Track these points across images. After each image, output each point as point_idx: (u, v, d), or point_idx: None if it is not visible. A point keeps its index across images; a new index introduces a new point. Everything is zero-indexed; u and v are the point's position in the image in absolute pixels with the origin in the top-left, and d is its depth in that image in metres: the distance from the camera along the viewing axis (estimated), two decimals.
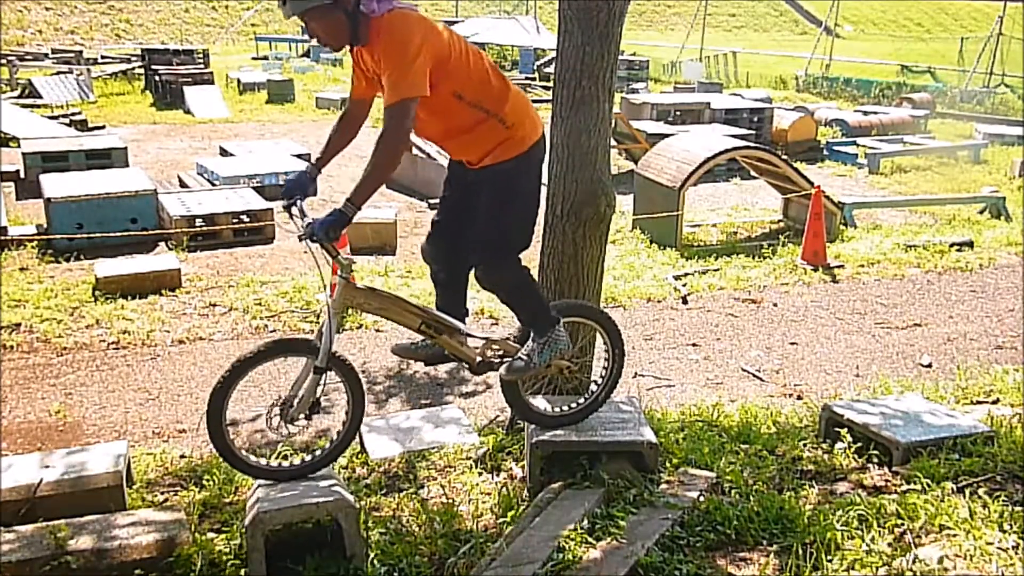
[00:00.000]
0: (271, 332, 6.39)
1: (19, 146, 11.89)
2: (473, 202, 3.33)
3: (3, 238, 8.23)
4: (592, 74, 3.80)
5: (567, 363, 3.65)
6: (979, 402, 4.85)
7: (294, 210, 3.16)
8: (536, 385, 3.87)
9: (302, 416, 3.25)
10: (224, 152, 13.02)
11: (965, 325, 6.73)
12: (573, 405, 3.71)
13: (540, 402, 3.74)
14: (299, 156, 12.33)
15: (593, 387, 3.77)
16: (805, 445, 4.07)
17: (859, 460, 3.83)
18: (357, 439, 4.55)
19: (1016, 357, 6.01)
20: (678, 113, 14.73)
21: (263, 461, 3.32)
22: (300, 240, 3.01)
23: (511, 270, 3.32)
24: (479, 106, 3.13)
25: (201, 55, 22.23)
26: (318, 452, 3.34)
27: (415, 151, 11.41)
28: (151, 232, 8.60)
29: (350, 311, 6.70)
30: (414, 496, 3.64)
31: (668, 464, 3.73)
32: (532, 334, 3.46)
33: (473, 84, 3.10)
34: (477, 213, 3.30)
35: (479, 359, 3.49)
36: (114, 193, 8.67)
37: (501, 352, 3.53)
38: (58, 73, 19.89)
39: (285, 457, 3.86)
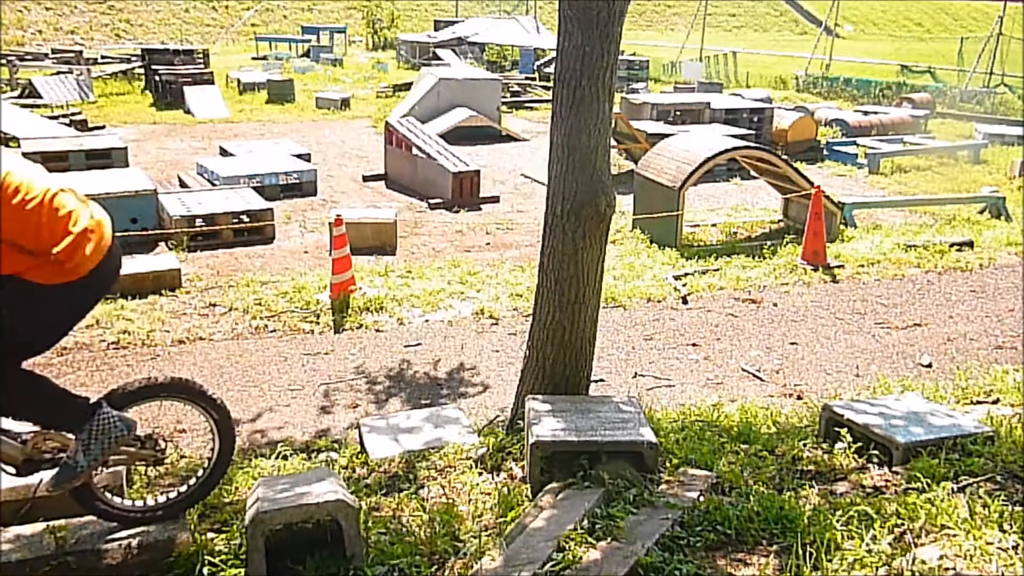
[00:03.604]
0: (271, 332, 6.40)
1: (19, 146, 11.89)
2: None
3: None
4: (592, 74, 3.80)
5: (141, 448, 3.16)
6: (979, 402, 4.85)
7: None
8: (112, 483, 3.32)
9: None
10: (224, 152, 13.02)
11: (965, 325, 6.73)
12: (172, 495, 3.26)
13: (119, 499, 3.21)
14: (299, 156, 12.34)
15: (200, 472, 3.31)
16: (805, 445, 4.06)
17: (859, 460, 3.83)
18: (357, 439, 4.56)
19: (1016, 357, 6.01)
20: (678, 113, 14.73)
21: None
22: None
23: (11, 377, 2.86)
24: (30, 256, 2.75)
25: (201, 55, 22.23)
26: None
27: (415, 151, 11.41)
28: (151, 232, 8.60)
29: (350, 312, 6.71)
30: (414, 496, 3.64)
31: (668, 464, 3.73)
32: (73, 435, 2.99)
33: (31, 234, 2.74)
34: None
35: (25, 458, 2.97)
36: (114, 193, 8.66)
37: (57, 447, 3.03)
38: (58, 73, 19.88)
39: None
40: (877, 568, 2.88)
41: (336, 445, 4.65)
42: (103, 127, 15.57)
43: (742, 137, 12.14)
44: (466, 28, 30.61)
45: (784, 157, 10.06)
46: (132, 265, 7.28)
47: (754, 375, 5.82)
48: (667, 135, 11.00)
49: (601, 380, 3.74)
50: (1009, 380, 5.19)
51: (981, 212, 10.67)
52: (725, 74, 28.23)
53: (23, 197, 2.74)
